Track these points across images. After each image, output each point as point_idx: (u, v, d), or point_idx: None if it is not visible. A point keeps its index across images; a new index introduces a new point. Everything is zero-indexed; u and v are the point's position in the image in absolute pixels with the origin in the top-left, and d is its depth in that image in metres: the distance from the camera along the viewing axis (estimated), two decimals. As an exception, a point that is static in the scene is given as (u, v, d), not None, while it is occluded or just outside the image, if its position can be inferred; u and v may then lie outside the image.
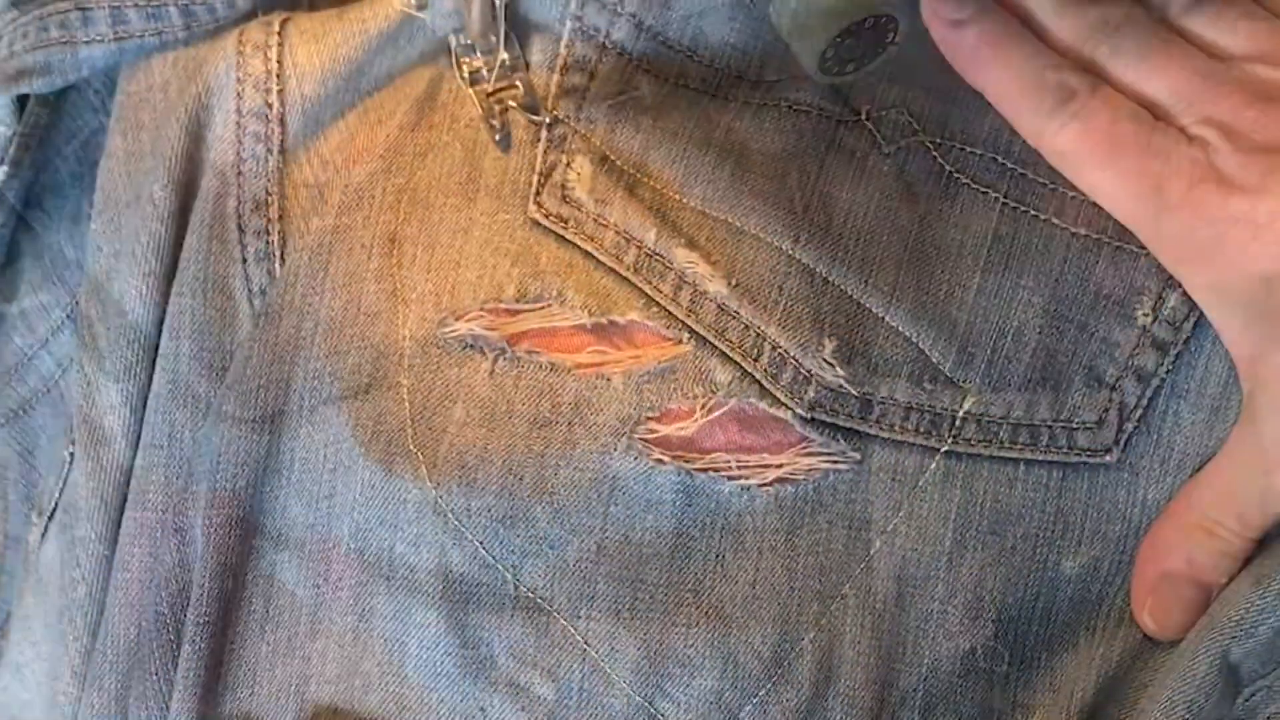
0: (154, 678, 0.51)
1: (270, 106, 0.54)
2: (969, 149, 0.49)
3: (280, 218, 0.53)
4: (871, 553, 0.47)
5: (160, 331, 0.53)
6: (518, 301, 0.48)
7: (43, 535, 0.56)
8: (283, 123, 0.54)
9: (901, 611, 0.47)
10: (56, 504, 0.56)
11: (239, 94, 0.54)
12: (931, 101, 0.50)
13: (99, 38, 0.54)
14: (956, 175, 0.49)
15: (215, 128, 0.54)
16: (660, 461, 0.47)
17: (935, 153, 0.49)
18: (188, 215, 0.54)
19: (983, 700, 0.48)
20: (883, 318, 0.47)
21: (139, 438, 0.53)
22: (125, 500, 0.53)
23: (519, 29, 0.52)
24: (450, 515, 0.47)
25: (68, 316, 0.58)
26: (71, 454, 0.55)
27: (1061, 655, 0.48)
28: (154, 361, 0.53)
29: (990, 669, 0.48)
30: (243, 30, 0.54)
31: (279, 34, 0.54)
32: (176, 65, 0.55)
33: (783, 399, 0.47)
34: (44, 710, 0.55)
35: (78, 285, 0.58)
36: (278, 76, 0.54)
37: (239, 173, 0.53)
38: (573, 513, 0.47)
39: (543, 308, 0.48)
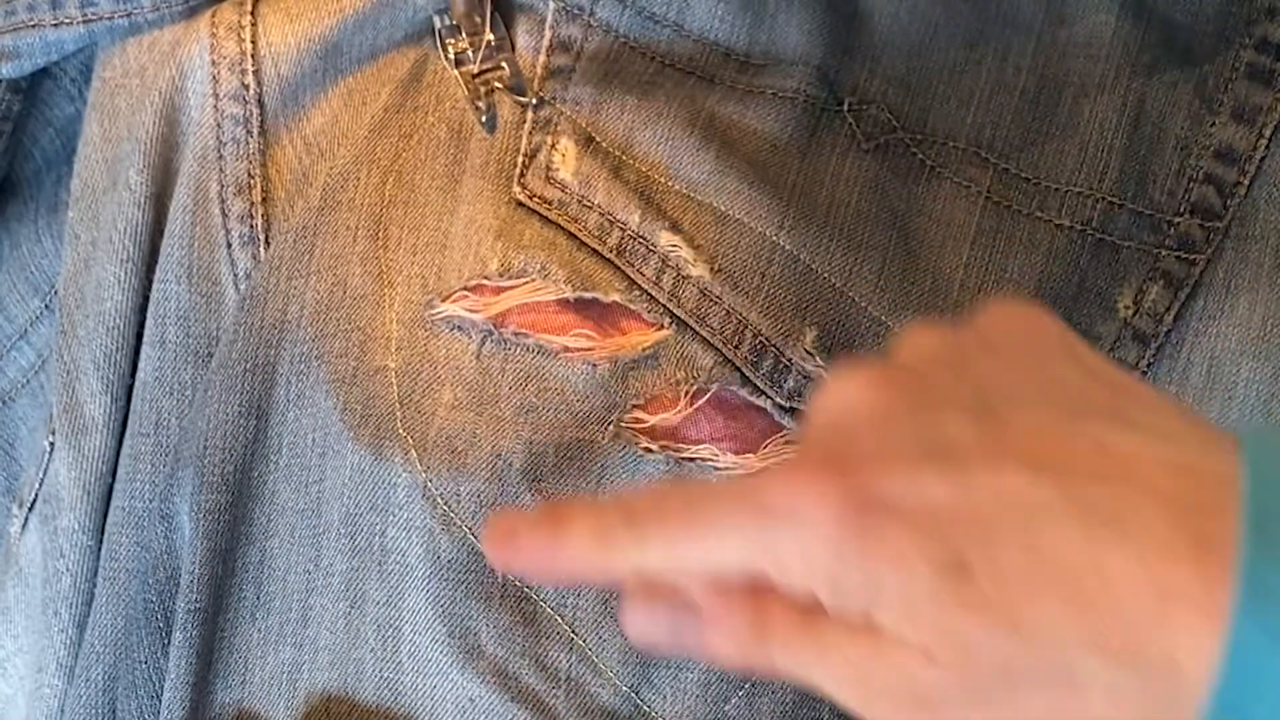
0: (143, 667, 0.52)
1: (247, 88, 0.54)
2: (951, 143, 0.51)
3: (264, 201, 0.54)
4: None
5: (139, 318, 0.54)
6: (501, 276, 0.49)
7: (23, 527, 0.57)
8: (261, 104, 0.54)
9: None
10: (37, 495, 0.56)
11: (214, 77, 0.54)
12: (913, 97, 0.51)
13: (67, 20, 0.55)
14: (939, 170, 0.50)
15: (191, 111, 0.55)
16: (648, 450, 0.48)
17: (915, 149, 0.51)
18: (165, 200, 0.55)
19: None
20: (866, 308, 0.49)
21: (120, 426, 0.54)
22: (108, 489, 0.54)
23: (504, 9, 0.53)
24: (440, 500, 0.48)
25: (46, 306, 0.59)
26: (52, 444, 0.56)
27: None
28: (135, 349, 0.54)
29: None
30: (215, 11, 0.55)
31: (251, 14, 0.55)
32: (152, 50, 0.56)
33: (762, 387, 0.48)
34: (27, 705, 0.56)
35: (56, 275, 0.59)
36: (252, 57, 0.55)
37: (220, 156, 0.54)
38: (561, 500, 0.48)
39: (526, 282, 0.49)
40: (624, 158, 0.51)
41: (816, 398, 0.38)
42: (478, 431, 0.48)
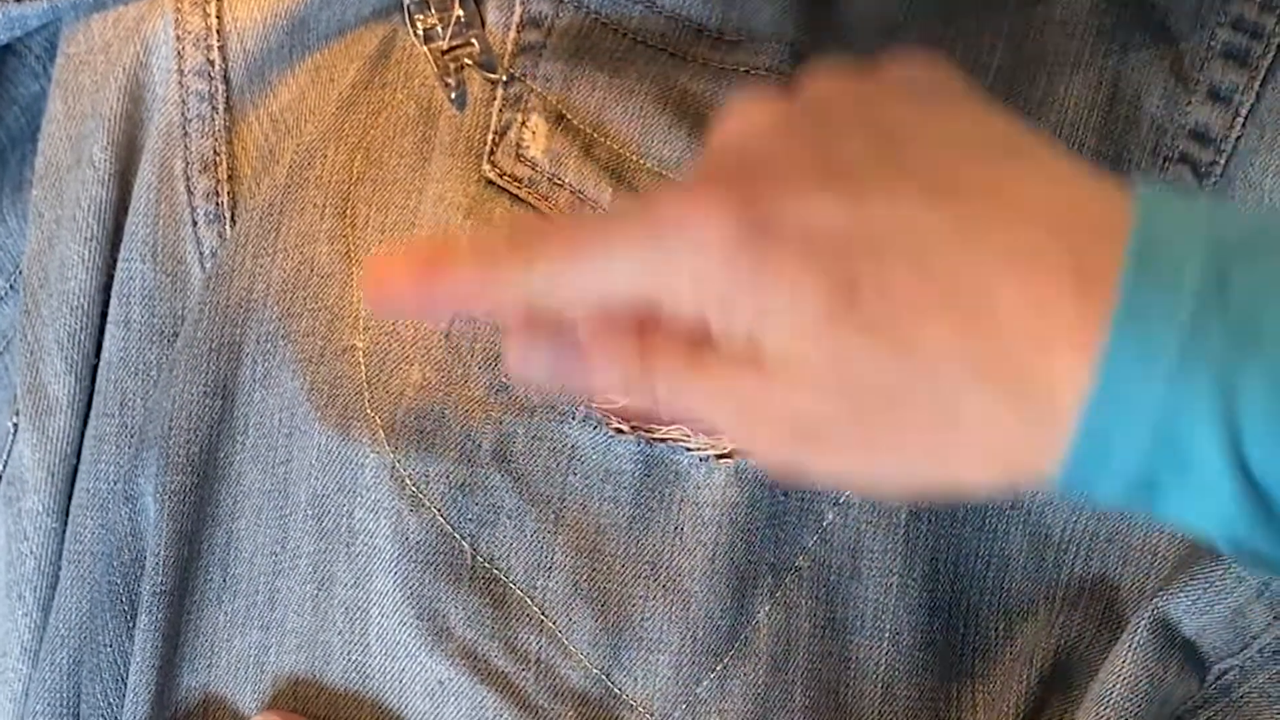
0: (108, 650, 0.52)
1: (212, 64, 0.54)
2: None
3: (230, 178, 0.54)
4: (824, 525, 0.49)
5: (103, 297, 0.54)
6: None
7: None
8: (226, 80, 0.54)
9: (859, 583, 0.49)
10: (0, 477, 0.56)
11: (179, 52, 0.54)
12: None
13: None
14: None
15: (156, 88, 0.55)
16: (620, 431, 0.48)
17: None
18: (129, 178, 0.55)
19: (941, 670, 0.50)
20: None
21: (85, 406, 0.54)
22: (73, 471, 0.54)
23: None
24: (408, 481, 0.48)
25: (11, 287, 0.59)
26: (15, 425, 0.56)
27: (1020, 624, 0.50)
28: (99, 328, 0.54)
29: (948, 639, 0.50)
30: None
31: None
32: (117, 25, 0.56)
33: None
34: (-8, 688, 0.56)
35: (20, 254, 0.59)
36: (218, 33, 0.55)
37: (185, 133, 0.54)
38: (531, 482, 0.48)
39: None
40: (595, 135, 0.51)
41: (717, 122, 0.38)
42: (446, 412, 0.48)
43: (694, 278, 0.35)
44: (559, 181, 0.50)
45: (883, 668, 0.49)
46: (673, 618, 0.48)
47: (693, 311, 0.36)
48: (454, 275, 0.38)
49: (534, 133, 0.51)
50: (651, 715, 0.48)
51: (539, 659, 0.48)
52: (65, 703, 0.52)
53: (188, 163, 0.54)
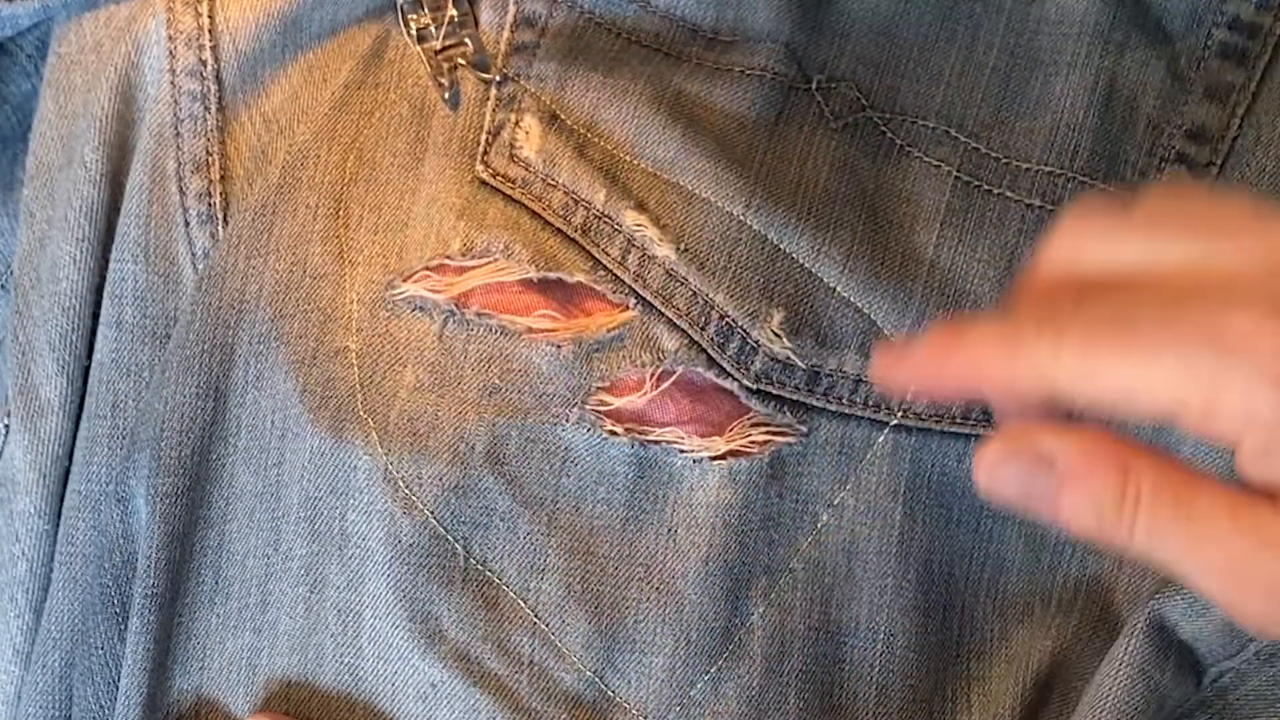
0: (100, 653, 0.52)
1: (205, 64, 0.54)
2: (921, 122, 0.51)
3: (222, 179, 0.54)
4: (819, 526, 0.49)
5: (95, 298, 0.54)
6: (464, 256, 0.49)
7: None
8: (219, 80, 0.55)
9: (853, 585, 0.49)
10: None
11: (171, 52, 0.54)
12: (882, 76, 0.51)
13: None
14: (908, 149, 0.51)
15: (148, 88, 0.55)
16: (613, 433, 0.48)
17: (884, 127, 0.51)
18: (121, 178, 0.55)
19: (937, 673, 0.50)
20: (834, 288, 0.49)
21: (77, 408, 0.54)
22: (65, 472, 0.54)
23: None
24: (401, 483, 0.48)
25: (1, 288, 0.59)
26: (7, 426, 0.56)
27: (1016, 626, 0.50)
28: (91, 329, 0.54)
29: (942, 641, 0.50)
30: None
31: None
32: (109, 25, 0.56)
33: (729, 369, 0.48)
34: (-17, 691, 0.56)
35: (12, 254, 0.58)
36: (210, 32, 0.55)
37: (177, 133, 0.54)
38: (524, 484, 0.48)
39: (489, 262, 0.49)
40: (589, 135, 0.51)
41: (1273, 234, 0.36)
42: (440, 414, 0.48)
43: (1248, 401, 0.33)
44: (552, 182, 0.50)
45: (877, 670, 0.49)
46: (666, 620, 0.48)
47: (1226, 433, 0.34)
48: (976, 350, 0.36)
49: (527, 133, 0.51)
50: (645, 718, 0.48)
51: (532, 661, 0.48)
52: (57, 705, 0.52)
53: (180, 163, 0.54)
